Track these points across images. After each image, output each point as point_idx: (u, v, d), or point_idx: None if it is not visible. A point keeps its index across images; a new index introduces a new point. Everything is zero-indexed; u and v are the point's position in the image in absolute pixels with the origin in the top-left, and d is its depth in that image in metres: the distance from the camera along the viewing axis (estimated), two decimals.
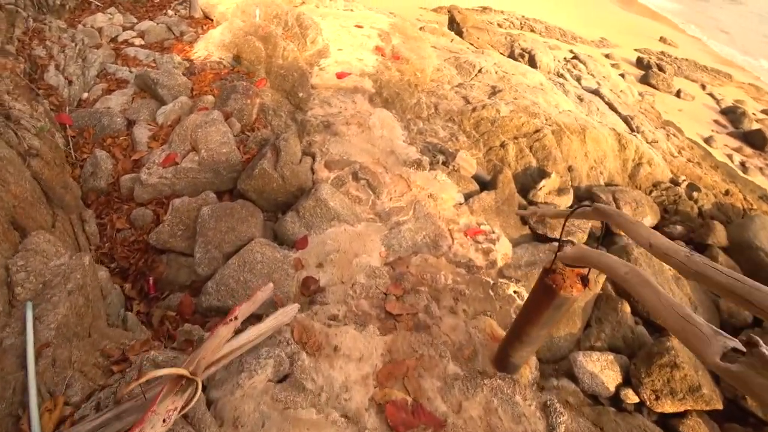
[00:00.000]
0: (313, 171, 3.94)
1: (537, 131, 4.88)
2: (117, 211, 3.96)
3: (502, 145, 4.81)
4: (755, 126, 10.08)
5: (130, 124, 4.74)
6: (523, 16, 16.06)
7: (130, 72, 5.39)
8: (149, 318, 3.09)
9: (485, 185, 4.23)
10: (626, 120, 6.81)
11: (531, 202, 4.39)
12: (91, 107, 4.86)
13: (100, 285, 2.58)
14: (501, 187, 4.01)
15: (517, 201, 4.16)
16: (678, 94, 12.43)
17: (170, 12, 7.49)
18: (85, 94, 5.27)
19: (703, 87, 13.94)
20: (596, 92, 7.38)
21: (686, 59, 16.09)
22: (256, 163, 3.57)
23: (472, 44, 8.10)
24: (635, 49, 16.31)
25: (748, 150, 9.08)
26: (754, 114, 11.89)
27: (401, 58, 5.72)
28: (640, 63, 14.01)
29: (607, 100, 7.18)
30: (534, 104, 5.20)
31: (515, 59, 7.43)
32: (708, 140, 9.94)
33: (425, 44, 6.24)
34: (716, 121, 11.52)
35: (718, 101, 13.07)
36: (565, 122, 5.05)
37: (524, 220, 4.12)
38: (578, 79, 7.89)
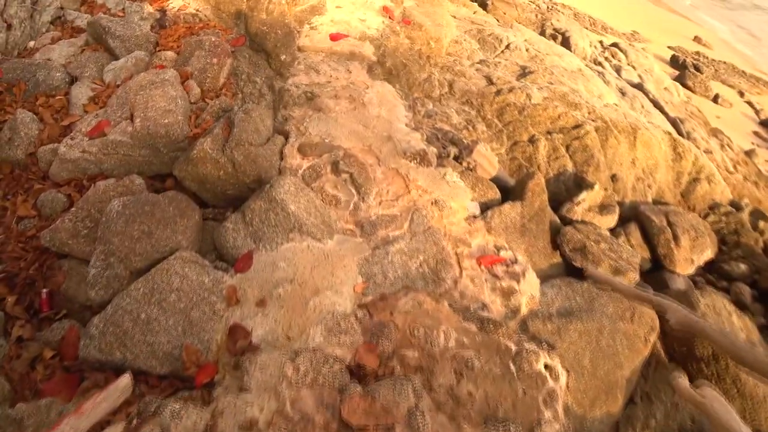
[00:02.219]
0: (282, 156, 2.93)
1: (577, 126, 3.84)
2: (26, 192, 3.00)
3: (532, 141, 3.78)
4: None
5: (74, 81, 3.77)
6: (550, 0, 14.78)
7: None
8: (18, 355, 2.14)
9: (507, 192, 3.22)
10: (674, 123, 5.74)
11: (564, 220, 3.38)
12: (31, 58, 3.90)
13: None
14: (530, 198, 3.00)
15: (549, 218, 3.16)
16: (716, 99, 11.26)
17: None
18: (32, 43, 4.35)
19: (741, 94, 12.76)
20: (639, 87, 6.28)
21: (724, 62, 14.83)
22: (197, 141, 2.56)
23: (497, 20, 6.96)
24: (668, 47, 15.06)
25: None
26: None
27: (413, 23, 4.63)
28: (674, 62, 12.76)
29: (652, 97, 6.09)
30: (573, 92, 4.15)
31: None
32: (749, 153, 8.85)
33: (443, 10, 5.13)
34: (756, 133, 10.40)
35: (757, 111, 11.92)
36: (612, 118, 4.00)
37: (555, 243, 3.12)
38: (617, 70, 6.77)
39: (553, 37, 6.85)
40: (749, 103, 12.30)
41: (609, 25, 15.20)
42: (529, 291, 2.45)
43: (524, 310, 2.38)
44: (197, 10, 4.73)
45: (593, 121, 3.93)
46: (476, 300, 2.27)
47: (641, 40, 14.79)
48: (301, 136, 3.10)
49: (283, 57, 4.01)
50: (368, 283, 2.13)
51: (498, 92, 4.02)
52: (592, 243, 2.98)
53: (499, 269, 2.51)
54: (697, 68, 12.56)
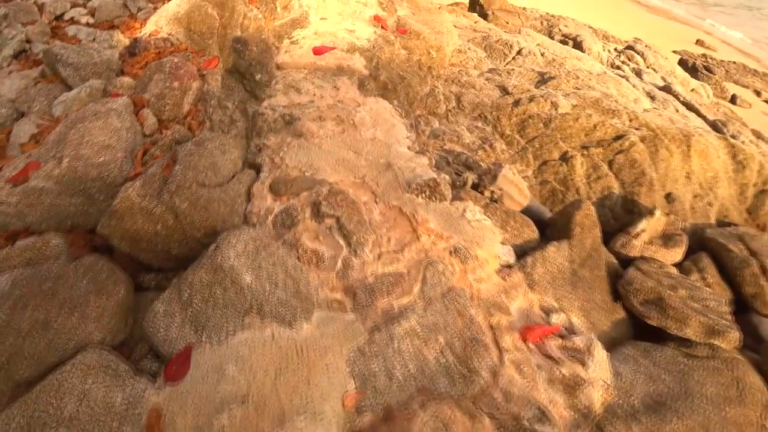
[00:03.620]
0: (249, 196, 2.24)
1: (619, 137, 3.12)
2: None
3: (565, 158, 3.06)
4: None
5: (21, 117, 3.20)
6: (546, 13, 14.43)
7: None
8: None
9: (543, 227, 2.48)
10: (715, 126, 5.01)
11: (618, 257, 2.61)
12: None
13: None
14: (578, 236, 2.26)
15: (605, 258, 2.40)
16: (733, 100, 10.59)
17: None
18: None
19: (758, 93, 12.10)
20: (667, 89, 5.59)
21: (734, 62, 14.26)
22: (123, 187, 1.87)
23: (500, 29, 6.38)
24: (674, 51, 14.58)
25: None
26: None
27: (410, 31, 4.02)
28: (683, 65, 12.16)
29: (683, 99, 5.39)
30: (607, 97, 3.45)
31: None
32: None
33: (442, 17, 4.53)
34: None
35: None
36: (658, 125, 3.29)
37: (615, 293, 2.36)
38: (638, 74, 6.11)
39: (564, 43, 6.24)
40: None
41: (610, 34, 14.75)
42: (600, 376, 1.68)
43: (598, 409, 1.60)
44: (170, 34, 4.16)
45: (637, 129, 3.21)
46: (528, 402, 1.50)
47: (643, 45, 14.27)
48: (276, 170, 2.42)
49: (258, 77, 3.39)
50: (364, 392, 1.38)
51: (516, 103, 3.33)
52: (668, 291, 2.21)
53: (554, 345, 1.74)
54: (708, 70, 11.94)
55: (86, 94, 3.15)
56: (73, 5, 5.18)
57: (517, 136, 3.19)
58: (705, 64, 12.90)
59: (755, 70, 14.35)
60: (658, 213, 2.68)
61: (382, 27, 4.01)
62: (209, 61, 3.61)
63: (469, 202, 2.18)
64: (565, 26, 6.68)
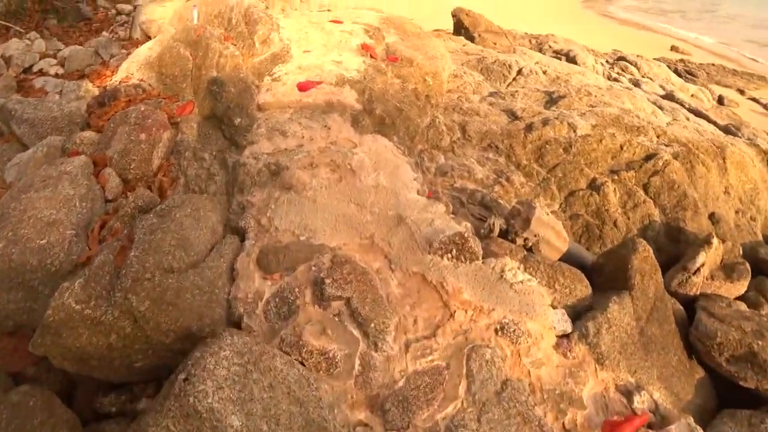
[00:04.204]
0: (233, 274, 1.80)
1: (650, 157, 2.76)
2: None
3: (594, 186, 2.69)
4: None
5: None
6: (525, 33, 14.60)
7: None
8: None
9: (588, 273, 2.05)
10: (728, 131, 4.73)
11: (677, 297, 2.20)
12: None
13: None
14: (639, 285, 1.84)
15: (671, 307, 1.98)
16: (720, 101, 10.59)
17: (105, 34, 5.76)
18: None
19: (741, 92, 12.19)
20: (671, 97, 5.34)
21: (713, 64, 14.46)
22: (58, 290, 1.42)
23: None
24: (654, 59, 14.78)
25: None
26: None
27: (401, 58, 3.70)
28: None
29: (689, 106, 5.13)
30: (626, 113, 3.12)
31: None
32: None
33: (433, 41, 4.24)
34: None
35: (765, 105, 11.28)
36: (688, 138, 2.95)
37: (688, 346, 1.93)
38: (636, 84, 5.88)
39: (557, 59, 6.02)
40: (754, 99, 11.67)
41: (590, 47, 14.88)
42: None
43: None
44: (141, 80, 3.80)
45: (667, 146, 2.87)
46: None
47: (619, 56, 14.42)
48: (264, 235, 1.99)
49: (237, 121, 3.00)
50: None
51: (529, 128, 2.98)
52: (758, 341, 1.79)
53: None
54: (690, 74, 12.04)
55: (42, 154, 2.75)
56: (43, 56, 4.92)
57: (535, 166, 2.81)
58: (686, 68, 13.02)
59: (734, 70, 14.54)
60: (715, 242, 2.29)
61: (371, 56, 3.69)
62: (183, 106, 3.25)
63: (506, 259, 1.76)
64: (555, 42, 6.50)
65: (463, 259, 1.73)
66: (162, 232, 1.61)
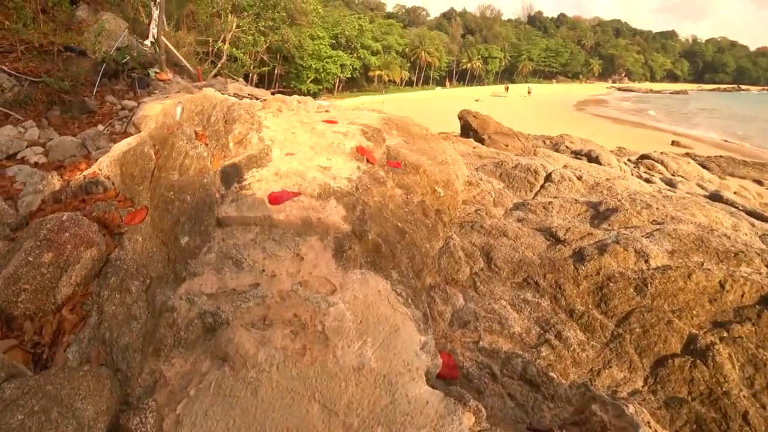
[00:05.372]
0: None
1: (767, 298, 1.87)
2: None
3: (695, 351, 1.76)
4: None
5: None
6: (535, 135, 14.86)
7: None
8: None
9: None
10: None
11: None
12: None
13: None
14: None
15: None
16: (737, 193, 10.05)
17: (100, 127, 5.48)
18: None
19: (759, 182, 11.76)
20: (718, 198, 4.60)
21: (721, 156, 14.28)
22: None
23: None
24: (661, 153, 14.76)
25: None
26: None
27: (405, 164, 3.06)
28: None
29: (742, 207, 4.36)
30: (706, 230, 2.30)
31: None
32: None
33: (442, 144, 3.66)
34: None
35: None
36: None
37: None
38: (670, 184, 5.22)
39: (577, 160, 5.45)
40: None
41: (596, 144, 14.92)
42: None
43: None
44: (107, 177, 3.21)
45: None
46: None
47: (629, 154, 14.34)
48: None
49: (184, 240, 2.25)
50: None
51: (579, 256, 2.15)
52: None
53: None
54: (703, 167, 11.72)
55: None
56: (31, 144, 4.54)
57: (597, 314, 1.92)
58: (697, 162, 12.74)
59: (744, 161, 14.32)
60: None
61: (368, 161, 3.05)
62: (134, 214, 2.55)
63: None
64: (572, 142, 6.02)
65: None
66: None
